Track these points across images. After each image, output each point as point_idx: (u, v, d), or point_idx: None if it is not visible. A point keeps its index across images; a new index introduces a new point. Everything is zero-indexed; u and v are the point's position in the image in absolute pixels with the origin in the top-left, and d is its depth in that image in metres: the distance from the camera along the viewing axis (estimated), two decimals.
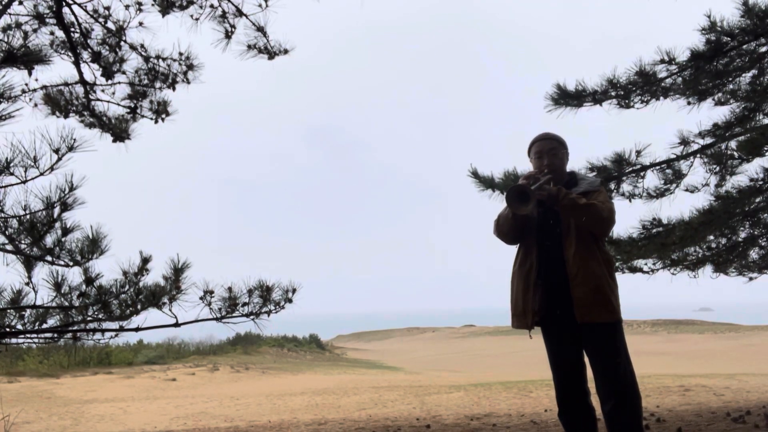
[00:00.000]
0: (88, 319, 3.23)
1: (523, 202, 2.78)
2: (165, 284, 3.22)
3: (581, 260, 2.81)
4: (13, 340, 3.36)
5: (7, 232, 2.92)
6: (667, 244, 5.68)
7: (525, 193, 2.77)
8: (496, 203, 5.44)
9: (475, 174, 5.50)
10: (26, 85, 4.89)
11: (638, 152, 5.25)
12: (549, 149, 3.06)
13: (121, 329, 3.32)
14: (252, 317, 3.34)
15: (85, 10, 4.95)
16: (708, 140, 5.40)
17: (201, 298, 3.23)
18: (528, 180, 2.92)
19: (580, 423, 2.91)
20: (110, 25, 5.06)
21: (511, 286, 3.05)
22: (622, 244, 5.80)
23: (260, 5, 4.86)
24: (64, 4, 4.80)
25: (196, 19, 4.91)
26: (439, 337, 43.69)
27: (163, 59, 5.23)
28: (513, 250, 3.14)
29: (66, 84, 5.11)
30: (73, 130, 2.76)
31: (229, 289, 3.26)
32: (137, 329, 3.31)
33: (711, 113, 5.69)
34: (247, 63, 5.10)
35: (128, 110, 5.30)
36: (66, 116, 5.17)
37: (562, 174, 3.07)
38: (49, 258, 3.06)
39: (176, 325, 3.23)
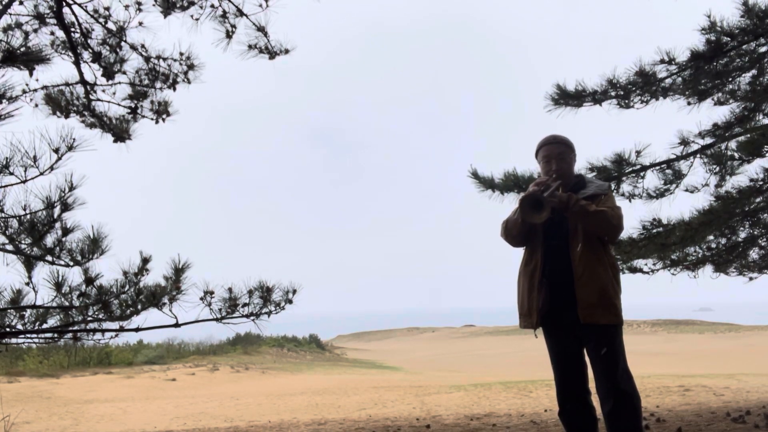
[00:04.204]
0: (89, 319, 3.23)
1: (537, 211, 2.78)
2: (165, 284, 3.22)
3: (587, 261, 2.81)
4: (13, 340, 3.36)
5: (7, 232, 2.92)
6: (667, 245, 5.68)
7: (539, 201, 2.77)
8: (496, 203, 5.45)
9: (475, 174, 5.51)
10: (27, 85, 4.90)
11: (638, 152, 5.25)
12: (557, 153, 3.03)
13: (121, 329, 3.31)
14: (252, 318, 3.34)
15: (86, 10, 4.95)
16: (708, 140, 5.40)
17: (201, 299, 3.23)
18: (539, 186, 2.90)
19: (580, 422, 2.92)
20: (110, 25, 5.06)
21: (518, 286, 3.05)
22: (622, 244, 5.80)
23: (260, 5, 4.87)
24: (64, 4, 4.80)
25: (197, 19, 4.91)
26: (439, 337, 43.69)
27: (164, 59, 5.23)
28: (516, 249, 3.13)
29: (67, 84, 5.11)
30: (72, 129, 2.76)
31: (230, 290, 3.26)
32: (137, 329, 3.30)
33: (711, 113, 5.68)
34: (249, 63, 5.12)
35: (129, 110, 5.30)
36: (67, 116, 5.17)
37: (570, 177, 3.07)
38: (49, 258, 3.05)
39: (176, 325, 3.23)
